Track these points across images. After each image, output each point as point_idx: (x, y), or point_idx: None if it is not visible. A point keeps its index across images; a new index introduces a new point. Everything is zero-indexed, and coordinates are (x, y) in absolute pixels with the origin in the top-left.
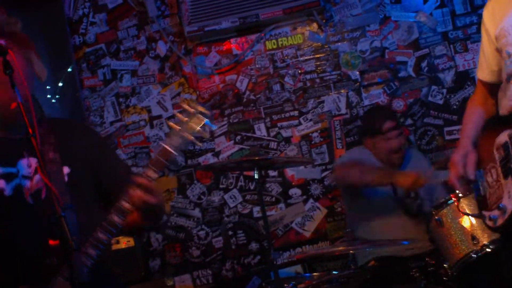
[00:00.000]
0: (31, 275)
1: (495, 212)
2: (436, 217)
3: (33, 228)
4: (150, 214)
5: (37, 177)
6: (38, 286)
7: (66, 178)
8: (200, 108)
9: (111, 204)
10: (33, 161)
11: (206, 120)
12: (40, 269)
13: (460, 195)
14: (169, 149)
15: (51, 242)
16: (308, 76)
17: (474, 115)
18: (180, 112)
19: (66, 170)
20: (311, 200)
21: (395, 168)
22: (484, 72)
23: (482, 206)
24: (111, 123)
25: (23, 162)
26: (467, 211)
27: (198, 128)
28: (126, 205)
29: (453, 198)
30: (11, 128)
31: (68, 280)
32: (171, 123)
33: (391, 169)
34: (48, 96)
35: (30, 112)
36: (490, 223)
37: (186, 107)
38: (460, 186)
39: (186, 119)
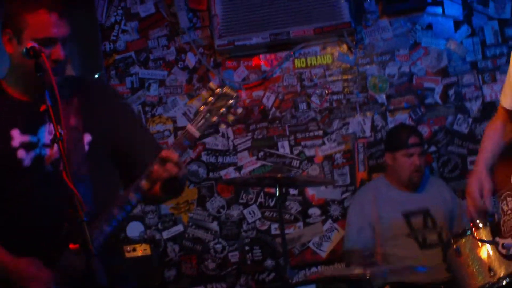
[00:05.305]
0: (45, 245)
1: (509, 240)
2: (454, 246)
3: (50, 197)
4: (172, 187)
5: (56, 146)
6: (50, 256)
7: (86, 148)
8: (227, 89)
9: (133, 179)
10: (52, 128)
11: (232, 101)
12: (54, 240)
13: (480, 225)
14: (193, 128)
15: (71, 246)
16: (335, 97)
17: (492, 141)
18: (207, 92)
19: (87, 138)
20: (329, 221)
21: (413, 189)
22: (508, 100)
23: (495, 233)
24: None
25: (44, 129)
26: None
27: (223, 109)
28: (144, 183)
29: (472, 228)
30: (35, 93)
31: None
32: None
33: (410, 191)
34: None
35: (59, 115)
36: (503, 251)
37: (213, 86)
38: (479, 217)
39: (211, 99)
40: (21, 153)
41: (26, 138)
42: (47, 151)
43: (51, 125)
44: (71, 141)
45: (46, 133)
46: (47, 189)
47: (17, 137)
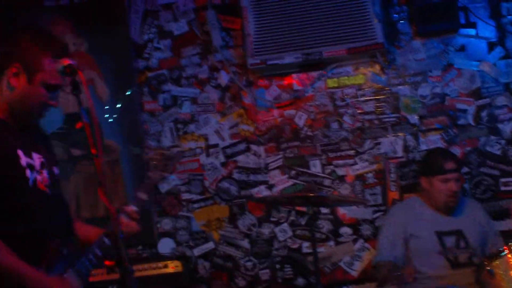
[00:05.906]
0: (47, 263)
1: None
2: (488, 268)
3: (51, 218)
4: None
5: (44, 172)
6: (51, 271)
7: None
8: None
9: None
10: (36, 156)
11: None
12: (54, 258)
13: None
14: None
15: (107, 262)
16: (366, 117)
17: None
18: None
19: (57, 171)
20: (361, 240)
21: (448, 212)
22: None
23: None
24: (168, 148)
25: (35, 155)
26: None
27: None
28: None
29: (506, 250)
30: (20, 122)
31: None
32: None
33: (445, 215)
34: (106, 115)
35: (95, 133)
36: None
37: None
38: None
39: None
40: (28, 173)
41: (29, 160)
42: (39, 177)
43: (33, 152)
44: (53, 171)
45: (36, 159)
46: (47, 210)
47: (23, 157)
